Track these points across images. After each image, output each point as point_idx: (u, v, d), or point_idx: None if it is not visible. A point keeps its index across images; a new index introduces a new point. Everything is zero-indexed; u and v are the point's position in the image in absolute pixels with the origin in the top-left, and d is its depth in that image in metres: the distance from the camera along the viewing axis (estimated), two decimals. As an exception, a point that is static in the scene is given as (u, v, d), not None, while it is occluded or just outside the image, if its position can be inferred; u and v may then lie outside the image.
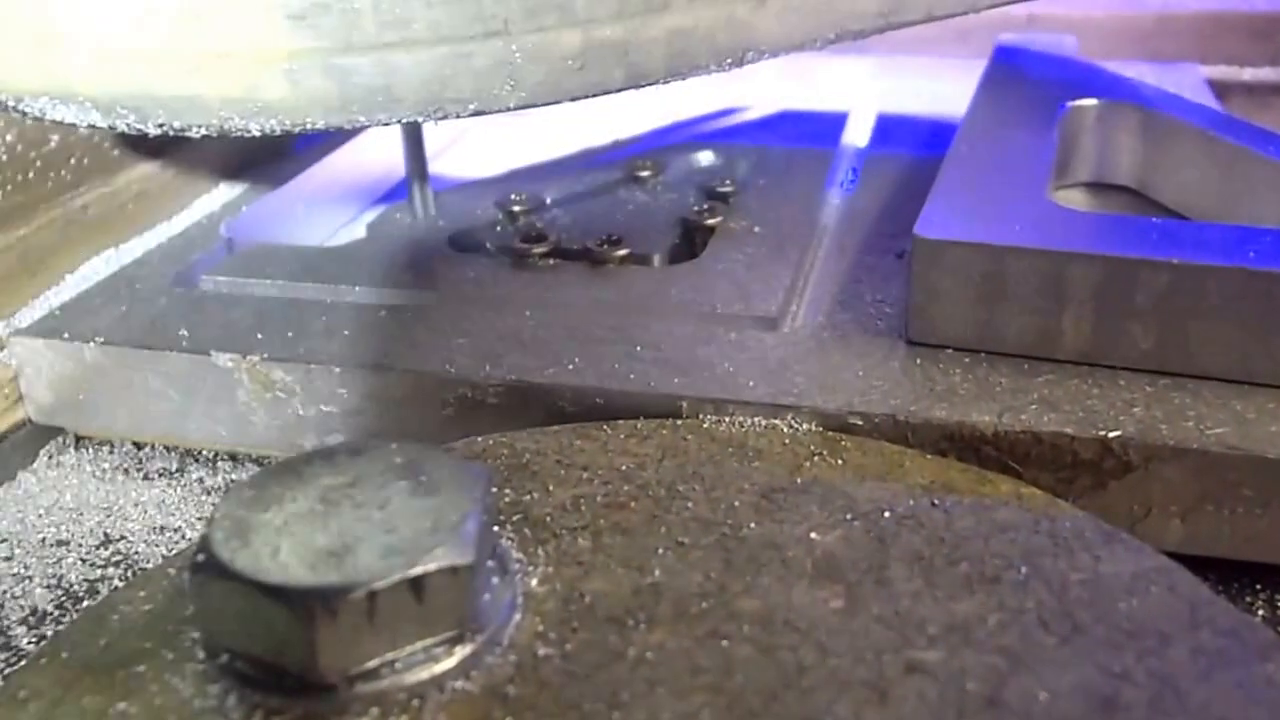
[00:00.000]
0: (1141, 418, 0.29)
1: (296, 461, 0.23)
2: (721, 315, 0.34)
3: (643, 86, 0.32)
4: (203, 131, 0.32)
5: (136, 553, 0.32)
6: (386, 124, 0.32)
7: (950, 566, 0.23)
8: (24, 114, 0.33)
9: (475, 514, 0.21)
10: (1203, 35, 0.61)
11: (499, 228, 0.42)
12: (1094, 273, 0.30)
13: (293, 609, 0.19)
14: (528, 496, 0.26)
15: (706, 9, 0.31)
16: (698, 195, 0.43)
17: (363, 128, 0.31)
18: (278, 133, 0.31)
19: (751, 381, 0.31)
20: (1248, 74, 0.60)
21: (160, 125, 0.31)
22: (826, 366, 0.32)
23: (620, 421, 0.30)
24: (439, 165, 0.50)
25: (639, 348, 0.33)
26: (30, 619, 0.29)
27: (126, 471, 0.36)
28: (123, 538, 0.32)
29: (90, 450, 0.37)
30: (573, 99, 0.32)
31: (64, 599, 0.30)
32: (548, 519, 0.25)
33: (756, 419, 0.30)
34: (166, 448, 0.36)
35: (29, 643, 0.28)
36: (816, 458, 0.28)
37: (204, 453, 0.36)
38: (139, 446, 0.36)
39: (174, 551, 0.31)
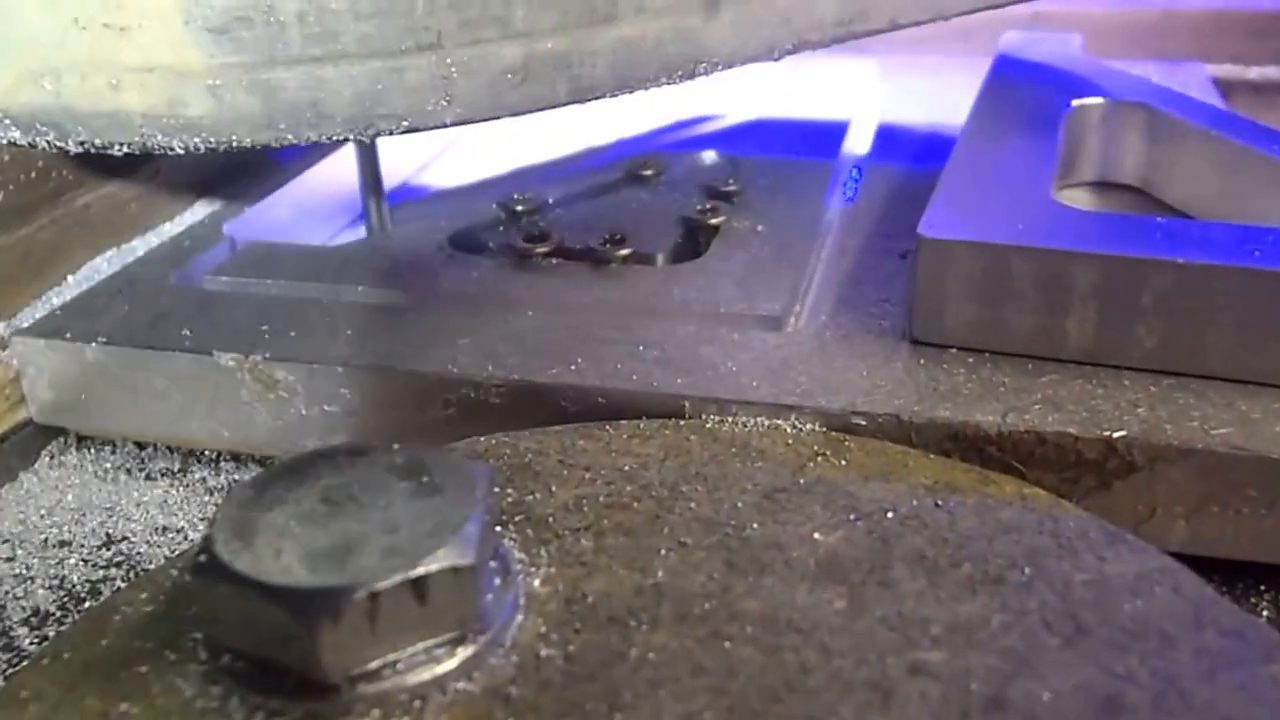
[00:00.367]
0: (1146, 418, 0.29)
1: (299, 462, 0.23)
2: (725, 315, 0.34)
3: (588, 100, 0.31)
4: (125, 150, 0.31)
5: (138, 553, 0.32)
6: (316, 141, 0.31)
7: (954, 567, 0.23)
8: None
9: (477, 514, 0.21)
10: (1207, 33, 0.60)
11: (501, 227, 0.42)
12: (1098, 272, 0.30)
13: (294, 610, 0.19)
14: (530, 497, 0.26)
15: (654, 20, 0.31)
16: (701, 195, 0.43)
17: (293, 145, 0.31)
18: (202, 151, 0.30)
19: (755, 381, 0.31)
20: (1253, 72, 0.60)
21: (81, 143, 0.31)
22: (830, 366, 0.32)
23: (623, 421, 0.30)
24: (439, 166, 0.50)
25: (642, 347, 0.33)
26: (32, 619, 0.29)
27: (128, 472, 0.36)
28: (125, 538, 0.32)
29: (92, 450, 0.37)
30: (514, 114, 0.31)
31: (66, 599, 0.30)
32: (550, 519, 0.25)
33: (759, 419, 0.30)
34: (168, 448, 0.36)
35: (31, 643, 0.28)
36: (820, 458, 0.28)
37: (206, 453, 0.36)
38: (141, 446, 0.36)
39: (176, 552, 0.31)
